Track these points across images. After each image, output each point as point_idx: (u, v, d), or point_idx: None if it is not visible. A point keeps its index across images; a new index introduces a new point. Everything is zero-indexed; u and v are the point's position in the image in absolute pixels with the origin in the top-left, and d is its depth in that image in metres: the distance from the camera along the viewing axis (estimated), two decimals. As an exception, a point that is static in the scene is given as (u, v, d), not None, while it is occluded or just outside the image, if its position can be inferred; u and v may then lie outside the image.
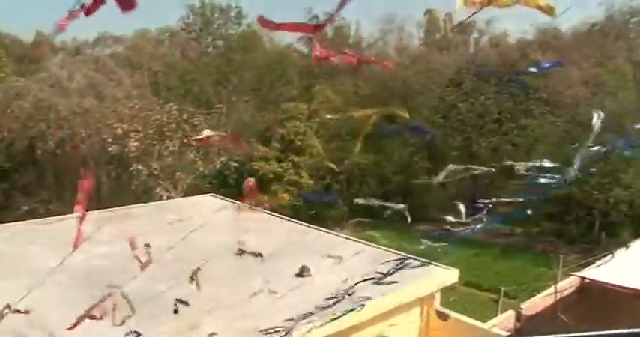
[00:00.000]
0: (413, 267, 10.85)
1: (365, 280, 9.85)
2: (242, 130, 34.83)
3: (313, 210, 32.75)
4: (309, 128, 36.48)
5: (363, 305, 9.11)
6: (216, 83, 41.04)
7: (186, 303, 8.15)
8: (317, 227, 14.27)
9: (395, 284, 10.07)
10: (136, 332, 7.27)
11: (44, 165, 31.09)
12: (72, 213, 16.77)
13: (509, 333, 12.31)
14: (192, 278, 8.09)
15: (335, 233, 14.56)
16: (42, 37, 48.63)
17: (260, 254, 9.35)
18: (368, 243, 13.27)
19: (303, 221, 15.07)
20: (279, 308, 8.80)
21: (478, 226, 6.10)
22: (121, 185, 29.87)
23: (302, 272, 10.83)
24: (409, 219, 6.03)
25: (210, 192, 18.23)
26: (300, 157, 35.40)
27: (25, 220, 18.36)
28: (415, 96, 40.35)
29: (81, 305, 8.18)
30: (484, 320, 13.15)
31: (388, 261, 10.96)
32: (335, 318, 8.58)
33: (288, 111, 36.57)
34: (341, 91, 40.31)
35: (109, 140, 28.89)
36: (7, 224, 14.38)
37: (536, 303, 16.05)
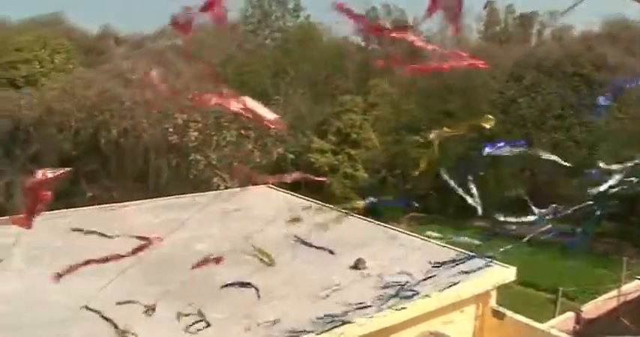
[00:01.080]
0: (469, 264, 10.70)
1: (421, 276, 9.78)
2: (299, 122, 35.06)
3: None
4: (366, 121, 36.39)
5: (417, 300, 9.05)
6: (273, 75, 41.35)
7: (250, 285, 8.16)
8: (373, 220, 14.25)
9: (450, 280, 9.95)
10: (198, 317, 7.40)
11: (108, 154, 32.16)
12: (133, 200, 17.30)
13: (568, 336, 11.99)
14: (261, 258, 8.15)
15: (391, 226, 14.50)
16: (107, 30, 50.18)
17: (324, 248, 9.34)
18: (424, 237, 13.16)
19: (357, 214, 15.06)
20: (335, 299, 8.84)
21: (545, 227, 5.93)
22: (180, 174, 30.60)
23: (357, 265, 10.84)
24: (480, 211, 5.90)
25: (265, 183, 18.41)
26: (356, 150, 35.39)
27: (89, 206, 19.06)
28: (474, 91, 39.57)
29: (141, 293, 8.43)
30: (541, 321, 12.84)
31: (444, 257, 10.84)
32: (389, 311, 8.56)
33: (344, 104, 36.57)
34: (398, 84, 39.95)
35: (170, 130, 29.61)
36: (73, 209, 14.95)
37: (598, 306, 15.56)
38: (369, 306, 8.46)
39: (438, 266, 8.79)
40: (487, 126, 4.29)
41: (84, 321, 7.08)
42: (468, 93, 38.80)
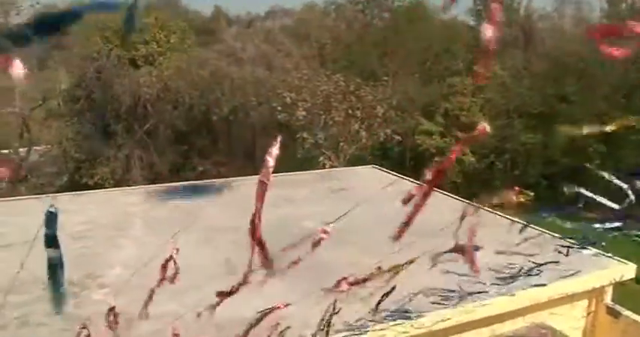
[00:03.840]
0: (583, 256, 10.15)
1: (529, 265, 9.40)
2: (407, 103, 34.62)
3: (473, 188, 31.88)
4: (475, 104, 35.32)
5: (527, 289, 8.71)
6: (381, 55, 40.97)
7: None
8: (481, 206, 13.82)
9: (562, 272, 9.49)
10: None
11: (218, 130, 33.39)
12: (239, 175, 17.79)
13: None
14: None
15: (500, 213, 14.01)
16: (219, 11, 51.75)
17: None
18: (535, 226, 12.61)
19: (462, 198, 14.68)
20: (437, 285, 8.68)
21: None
22: (287, 152, 31.11)
23: (462, 251, 10.58)
24: (617, 206, 5.50)
25: (371, 164, 18.37)
26: (464, 133, 34.46)
27: (199, 180, 19.89)
28: (593, 74, 37.24)
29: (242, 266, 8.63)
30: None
31: (556, 247, 10.34)
32: (501, 298, 8.30)
33: (453, 86, 35.66)
34: (509, 67, 38.37)
35: (278, 108, 30.20)
36: (186, 182, 15.65)
37: None
38: (484, 292, 8.23)
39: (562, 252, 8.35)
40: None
41: (193, 290, 7.37)
42: (585, 76, 36.59)
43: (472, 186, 32.49)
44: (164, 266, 5.27)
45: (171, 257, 5.22)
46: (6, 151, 36.83)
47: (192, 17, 49.92)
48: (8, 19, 39.65)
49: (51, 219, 4.48)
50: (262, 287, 6.73)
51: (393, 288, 7.91)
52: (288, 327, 6.74)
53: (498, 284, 8.60)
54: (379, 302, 7.51)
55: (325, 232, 4.59)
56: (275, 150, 3.14)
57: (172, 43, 37.02)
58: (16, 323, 7.11)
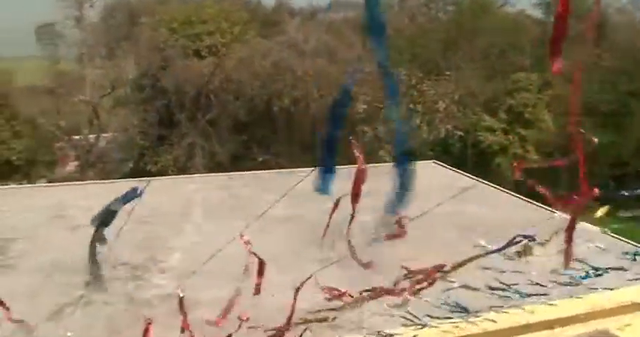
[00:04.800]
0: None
1: (594, 269, 9.06)
2: (469, 99, 33.99)
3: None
4: (540, 100, 34.32)
5: (593, 294, 8.41)
6: (444, 49, 40.30)
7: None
8: (543, 205, 13.42)
9: (629, 278, 9.11)
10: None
11: (278, 121, 33.65)
12: (298, 167, 17.94)
13: None
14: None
15: (563, 213, 13.57)
16: (282, 3, 52.00)
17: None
18: (599, 228, 12.15)
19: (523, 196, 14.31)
20: (496, 284, 8.49)
21: None
22: (346, 145, 31.10)
23: (524, 252, 10.28)
24: None
25: (432, 159, 18.14)
26: (528, 131, 33.58)
27: (259, 170, 20.14)
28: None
29: (301, 255, 8.72)
30: None
31: (625, 252, 9.94)
32: (565, 300, 8.04)
33: (518, 82, 34.74)
34: (579, 62, 36.97)
35: (339, 100, 30.11)
36: (247, 172, 15.88)
37: None
38: (545, 294, 8.01)
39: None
40: None
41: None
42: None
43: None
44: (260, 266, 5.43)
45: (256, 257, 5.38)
46: (77, 137, 38.34)
47: (255, 8, 50.32)
48: (82, 11, 41.13)
49: (129, 196, 4.69)
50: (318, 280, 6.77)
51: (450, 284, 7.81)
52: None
53: (561, 286, 8.35)
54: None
55: (401, 226, 4.57)
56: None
57: (236, 34, 37.49)
58: (81, 303, 7.38)
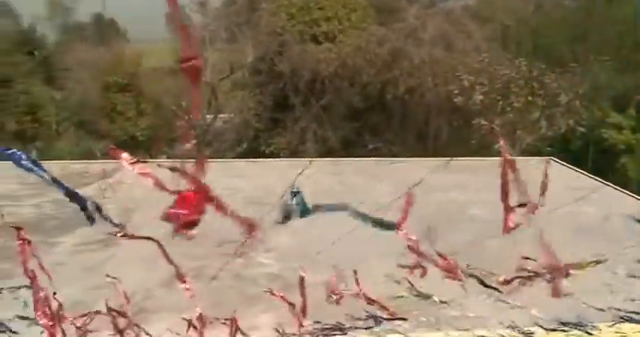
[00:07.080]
0: None
1: None
2: (595, 93, 31.93)
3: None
4: (677, 97, 31.62)
5: None
6: (571, 40, 38.01)
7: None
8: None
9: None
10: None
11: (392, 109, 33.36)
12: (410, 156, 17.71)
13: None
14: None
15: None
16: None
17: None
18: None
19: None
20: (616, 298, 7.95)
21: None
22: (460, 137, 30.37)
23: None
24: None
25: (549, 156, 17.27)
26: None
27: (370, 157, 20.09)
28: None
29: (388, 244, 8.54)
30: None
31: None
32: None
33: (652, 76, 32.16)
34: None
35: (455, 91, 29.42)
36: (359, 158, 15.90)
37: None
38: None
39: None
40: None
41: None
42: None
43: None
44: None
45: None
46: (195, 117, 40.12)
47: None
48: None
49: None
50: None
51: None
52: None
53: None
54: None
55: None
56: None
57: (353, 21, 37.42)
58: (191, 275, 7.70)
